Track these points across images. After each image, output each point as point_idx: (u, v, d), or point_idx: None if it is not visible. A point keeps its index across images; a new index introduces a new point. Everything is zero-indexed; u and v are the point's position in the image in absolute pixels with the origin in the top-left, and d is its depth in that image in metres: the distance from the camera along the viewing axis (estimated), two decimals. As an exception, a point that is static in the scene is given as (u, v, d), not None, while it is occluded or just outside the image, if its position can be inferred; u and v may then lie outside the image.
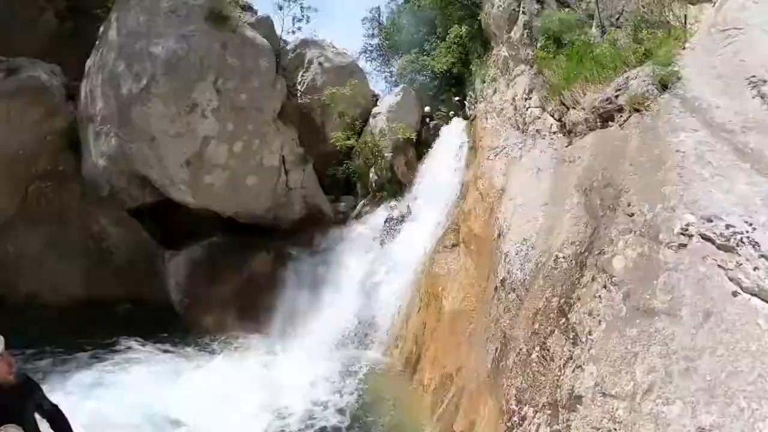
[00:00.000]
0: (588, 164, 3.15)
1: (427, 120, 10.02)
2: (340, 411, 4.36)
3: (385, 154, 9.23)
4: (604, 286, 1.89)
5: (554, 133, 4.60)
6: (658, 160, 2.48)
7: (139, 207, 8.41)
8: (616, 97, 3.14)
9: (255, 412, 4.26)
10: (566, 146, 3.98)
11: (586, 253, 2.26)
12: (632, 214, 2.23)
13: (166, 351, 6.19)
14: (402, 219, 8.03)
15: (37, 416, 2.76)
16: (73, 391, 4.40)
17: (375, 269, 7.24)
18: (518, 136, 5.52)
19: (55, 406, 2.83)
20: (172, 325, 7.06)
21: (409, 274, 6.31)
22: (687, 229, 1.95)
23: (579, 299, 1.97)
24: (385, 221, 8.31)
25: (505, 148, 5.61)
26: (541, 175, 3.87)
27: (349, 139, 9.50)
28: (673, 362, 1.53)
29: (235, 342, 6.92)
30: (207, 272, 8.34)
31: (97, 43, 7.94)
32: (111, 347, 6.07)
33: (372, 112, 10.28)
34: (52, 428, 2.80)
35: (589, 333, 1.77)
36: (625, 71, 3.36)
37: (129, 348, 6.19)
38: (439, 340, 4.21)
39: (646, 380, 1.52)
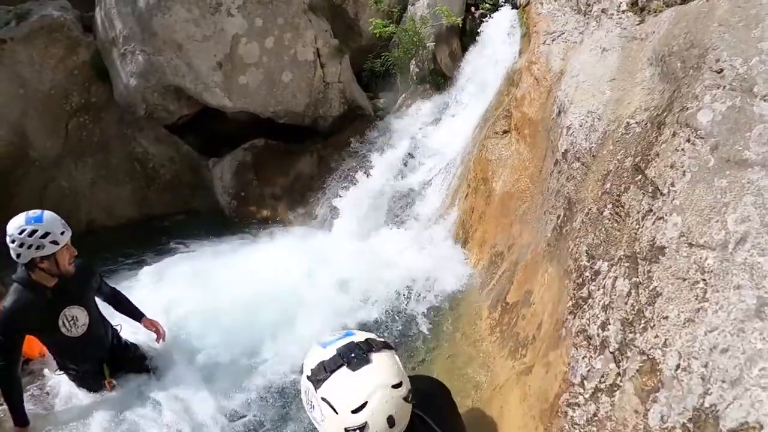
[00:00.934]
0: (666, 33, 2.92)
1: (472, 8, 9.36)
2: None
3: (427, 44, 8.77)
4: (688, 140, 1.81)
5: (623, 12, 4.26)
6: (755, 18, 2.27)
7: (176, 122, 8.50)
8: None
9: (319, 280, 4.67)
10: (637, 24, 3.70)
11: (665, 114, 2.15)
12: (721, 70, 2.08)
13: (221, 246, 6.57)
14: (445, 110, 7.89)
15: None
16: (146, 284, 4.76)
17: (417, 162, 7.31)
18: (579, 19, 5.16)
19: (114, 288, 3.17)
20: (223, 229, 7.45)
21: (451, 164, 6.36)
22: (787, 83, 1.82)
23: (658, 155, 1.90)
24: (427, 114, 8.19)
25: (563, 33, 5.29)
26: (606, 55, 3.65)
27: (388, 26, 9.01)
28: (770, 212, 1.48)
29: (285, 231, 7.31)
30: (253, 174, 8.65)
31: (101, -34, 7.49)
32: (170, 252, 6.53)
33: (410, -1, 9.63)
34: (116, 309, 3.16)
35: (672, 185, 1.73)
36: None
37: (187, 249, 6.70)
38: (489, 222, 4.27)
39: (738, 230, 1.47)
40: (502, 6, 8.60)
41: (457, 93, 7.98)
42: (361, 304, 4.33)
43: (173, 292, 4.49)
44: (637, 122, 2.50)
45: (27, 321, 2.65)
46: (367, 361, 1.10)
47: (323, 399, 1.09)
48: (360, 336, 1.18)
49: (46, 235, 2.52)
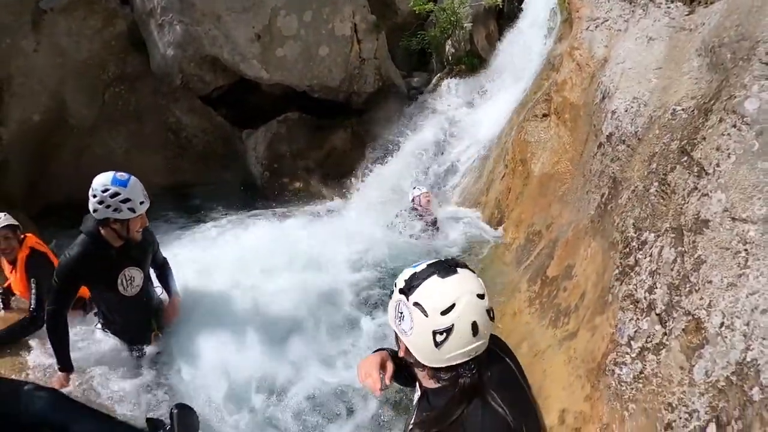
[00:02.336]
0: (717, 25, 3.02)
1: (511, -11, 9.28)
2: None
3: (465, 25, 8.79)
4: (734, 125, 1.96)
5: (672, 2, 4.27)
6: (807, 11, 2.35)
7: (210, 94, 8.71)
8: None
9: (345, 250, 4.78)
10: (686, 15, 3.75)
11: (712, 102, 2.29)
12: (771, 62, 2.21)
13: (254, 216, 6.72)
14: (480, 92, 7.94)
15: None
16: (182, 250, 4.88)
17: (450, 142, 7.42)
18: (624, 6, 5.14)
19: (165, 260, 3.28)
20: (252, 201, 7.66)
21: (487, 145, 6.46)
22: (834, 77, 1.95)
23: (704, 139, 2.06)
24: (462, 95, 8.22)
25: (607, 20, 5.28)
26: (653, 44, 3.72)
27: (427, 3, 9.02)
28: (809, 193, 1.64)
29: (317, 204, 7.50)
30: (286, 146, 8.82)
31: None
32: (202, 220, 6.79)
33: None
34: (158, 278, 3.26)
35: (717, 165, 1.89)
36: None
37: (219, 217, 6.86)
38: (526, 202, 4.43)
39: (779, 206, 1.64)
40: (542, -12, 8.60)
41: (493, 75, 8.01)
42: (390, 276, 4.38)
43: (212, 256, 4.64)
44: (683, 109, 2.64)
45: (88, 273, 2.70)
46: (455, 271, 1.25)
47: (415, 304, 1.23)
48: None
49: (126, 200, 2.57)
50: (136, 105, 8.40)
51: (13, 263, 3.33)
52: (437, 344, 1.21)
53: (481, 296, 1.23)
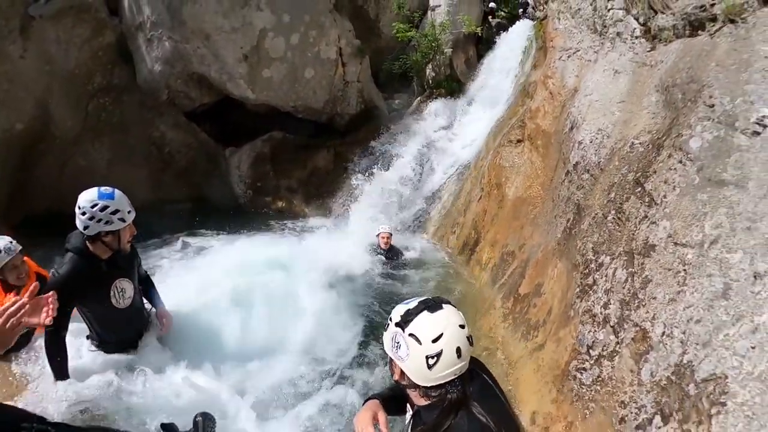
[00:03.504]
0: (672, 65, 3.32)
1: (489, 17, 9.71)
2: (398, 278, 5.02)
3: (445, 50, 9.14)
4: (680, 161, 2.23)
5: (636, 37, 4.57)
6: (745, 63, 2.67)
7: (195, 110, 8.75)
8: (712, 5, 3.18)
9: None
10: (648, 51, 4.05)
11: (664, 138, 2.57)
12: (712, 105, 2.50)
13: (233, 235, 6.67)
14: (458, 115, 8.20)
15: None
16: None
17: (430, 163, 7.65)
18: (594, 38, 5.45)
19: (147, 273, 3.32)
20: (235, 219, 7.49)
21: (463, 168, 6.71)
22: (762, 120, 2.23)
23: (655, 172, 2.32)
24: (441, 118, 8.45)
25: (579, 50, 5.59)
26: (618, 77, 4.01)
27: (410, 30, 9.34)
28: (738, 221, 1.90)
29: (298, 224, 7.60)
30: (270, 165, 8.89)
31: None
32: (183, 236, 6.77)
33: (431, 5, 10.00)
34: (142, 292, 3.18)
35: (664, 196, 2.15)
36: (726, -21, 3.34)
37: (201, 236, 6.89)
38: (501, 224, 4.68)
39: (713, 233, 1.90)
40: (520, 17, 9.01)
41: (470, 99, 8.36)
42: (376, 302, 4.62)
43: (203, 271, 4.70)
44: (640, 143, 2.92)
45: (81, 289, 2.66)
46: (441, 307, 1.52)
47: (410, 335, 1.49)
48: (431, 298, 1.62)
49: (116, 212, 2.60)
50: (121, 117, 8.34)
51: (11, 290, 3.30)
52: (429, 366, 1.46)
53: (462, 326, 1.50)
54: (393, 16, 9.90)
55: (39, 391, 2.77)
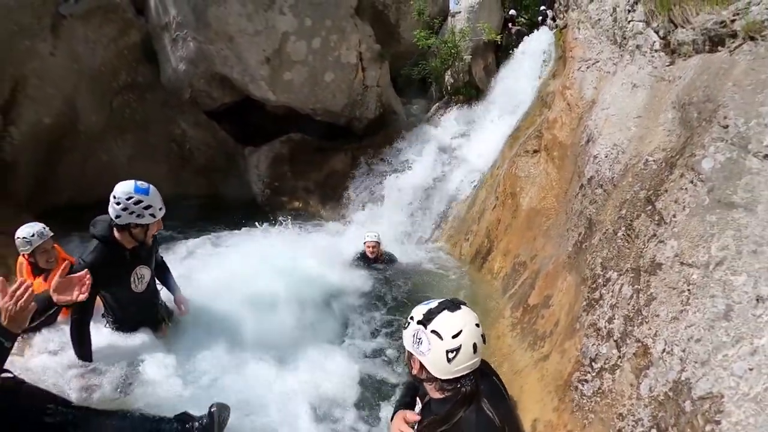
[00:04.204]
0: (689, 82, 3.32)
1: (509, 25, 9.73)
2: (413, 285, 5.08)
3: (464, 57, 9.19)
4: (691, 181, 2.26)
5: (656, 51, 4.57)
6: (762, 84, 2.68)
7: (216, 109, 8.96)
8: (732, 21, 3.19)
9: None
10: (667, 65, 4.04)
11: (677, 156, 2.60)
12: (726, 126, 2.52)
13: (249, 232, 6.73)
14: (476, 123, 8.23)
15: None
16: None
17: (446, 170, 7.71)
18: (614, 50, 5.45)
19: (163, 259, 3.47)
20: (252, 217, 7.43)
21: (480, 175, 6.75)
22: (775, 144, 2.26)
23: (666, 191, 2.36)
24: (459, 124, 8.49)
25: (598, 61, 5.58)
26: (636, 91, 4.01)
27: (429, 38, 9.42)
28: (744, 244, 1.94)
29: (313, 225, 7.69)
30: (288, 166, 9.04)
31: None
32: (201, 232, 6.91)
33: (451, 11, 10.05)
34: (157, 277, 3.36)
35: (674, 216, 2.19)
36: (748, -5, 3.34)
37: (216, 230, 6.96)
38: (514, 234, 4.72)
39: (719, 255, 1.94)
40: (540, 25, 9.01)
41: (489, 107, 8.39)
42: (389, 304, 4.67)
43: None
44: (654, 160, 2.95)
45: (105, 275, 2.75)
46: (460, 308, 1.68)
47: (432, 331, 1.63)
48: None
49: (148, 207, 2.74)
50: (144, 114, 8.63)
51: (41, 273, 3.52)
52: (449, 360, 1.61)
53: (477, 325, 1.66)
54: (413, 22, 9.98)
55: (61, 374, 2.88)
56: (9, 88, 6.59)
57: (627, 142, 3.51)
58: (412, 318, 1.71)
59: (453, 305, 1.67)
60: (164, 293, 3.49)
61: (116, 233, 2.81)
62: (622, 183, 2.99)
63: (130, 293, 3.00)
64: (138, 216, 2.74)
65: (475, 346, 1.61)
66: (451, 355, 1.59)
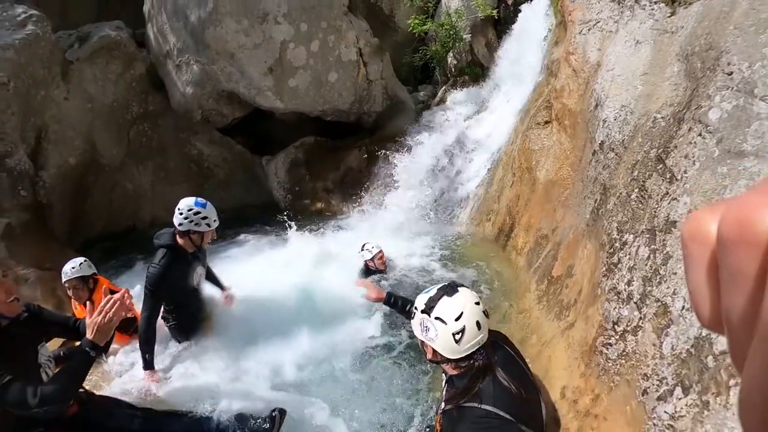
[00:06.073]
0: (691, 31, 3.26)
1: (506, -3, 9.54)
2: (439, 268, 5.15)
3: (463, 36, 9.10)
4: (700, 134, 2.24)
5: (655, 2, 4.47)
6: (764, 23, 2.62)
7: (228, 125, 9.21)
8: None
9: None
10: (668, 16, 3.95)
11: (684, 110, 2.56)
12: (731, 73, 2.47)
13: (278, 236, 7.16)
14: (484, 101, 8.16)
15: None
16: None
17: (460, 152, 7.69)
18: (613, 8, 5.32)
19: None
20: (277, 222, 7.73)
21: (495, 154, 6.71)
22: (783, 84, 2.21)
23: (676, 147, 2.34)
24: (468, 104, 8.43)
25: (599, 21, 5.47)
26: (640, 48, 3.94)
27: (424, 23, 9.36)
28: (757, 192, 1.92)
29: (336, 223, 7.86)
30: (305, 169, 9.23)
31: (147, -13, 8.08)
32: (239, 242, 7.23)
33: (444, -8, 9.90)
34: (207, 277, 3.96)
35: (685, 172, 2.17)
36: (745, -66, 3.24)
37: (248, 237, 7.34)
38: (534, 208, 4.70)
39: (731, 207, 1.93)
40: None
41: (496, 83, 8.30)
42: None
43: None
44: (662, 117, 2.91)
45: (173, 276, 3.35)
46: (457, 290, 1.79)
47: (436, 318, 1.76)
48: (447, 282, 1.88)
49: (205, 218, 3.39)
50: (159, 140, 9.02)
51: (85, 305, 3.80)
52: (457, 341, 1.72)
53: (477, 303, 1.78)
54: (408, 10, 9.93)
55: (122, 378, 3.36)
56: (34, 137, 6.92)
57: (634, 101, 3.46)
58: (416, 308, 1.83)
59: (451, 289, 1.78)
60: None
61: (179, 239, 3.41)
62: (632, 144, 2.96)
63: (190, 288, 3.59)
64: (196, 224, 3.36)
65: (478, 323, 1.73)
66: (457, 337, 1.71)
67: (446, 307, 1.74)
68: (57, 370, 2.39)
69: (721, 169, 2.07)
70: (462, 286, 1.81)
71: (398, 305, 2.46)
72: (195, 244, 3.49)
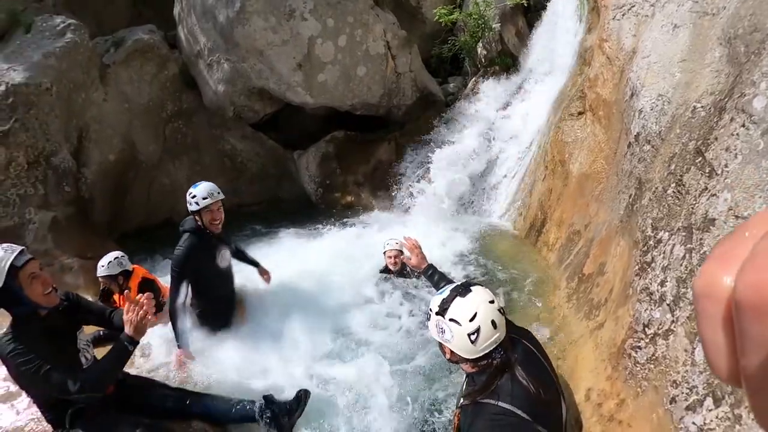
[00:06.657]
0: (734, 12, 3.06)
1: (536, -17, 9.27)
2: (470, 262, 5.08)
3: (493, 25, 8.89)
4: (743, 125, 2.10)
5: (695, -18, 4.20)
6: (816, 1, 2.43)
7: (260, 120, 9.42)
8: None
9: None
10: (708, -3, 3.72)
11: (726, 99, 2.41)
12: (779, 57, 2.31)
13: (310, 230, 7.33)
14: (516, 92, 7.97)
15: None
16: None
17: (491, 144, 7.54)
18: (649, -11, 5.05)
19: (237, 246, 4.22)
20: (309, 216, 8.20)
21: (527, 146, 6.55)
22: (837, 69, 2.04)
23: (716, 139, 2.20)
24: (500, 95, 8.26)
25: (633, 5, 5.21)
26: (678, 32, 3.72)
27: (452, 13, 9.19)
28: (805, 188, 1.79)
29: (366, 217, 7.91)
30: (336, 163, 9.32)
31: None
32: (272, 233, 7.37)
33: (471, -19, 9.69)
34: (238, 256, 4.15)
35: (725, 166, 2.04)
36: None
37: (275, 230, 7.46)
38: (566, 202, 4.55)
39: (776, 208, 1.80)
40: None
41: (527, 73, 8.08)
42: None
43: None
44: (702, 106, 2.75)
45: (198, 257, 3.52)
46: (470, 290, 1.77)
47: (451, 320, 1.74)
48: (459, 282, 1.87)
49: (194, 197, 3.54)
50: (194, 137, 9.37)
51: (122, 291, 4.04)
52: (473, 342, 1.71)
53: (491, 302, 1.75)
54: (435, 0, 9.78)
55: (152, 359, 3.52)
56: (76, 136, 7.33)
57: (672, 90, 3.29)
58: (430, 310, 1.81)
59: (464, 289, 1.76)
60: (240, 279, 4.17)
61: (197, 222, 3.58)
62: (669, 136, 2.81)
63: (216, 268, 3.70)
64: (190, 204, 3.54)
65: (493, 322, 1.70)
66: (473, 337, 1.69)
67: (460, 308, 1.73)
68: (95, 352, 2.64)
69: (765, 164, 1.94)
70: (475, 285, 1.79)
71: (434, 280, 2.46)
72: (205, 223, 3.57)
